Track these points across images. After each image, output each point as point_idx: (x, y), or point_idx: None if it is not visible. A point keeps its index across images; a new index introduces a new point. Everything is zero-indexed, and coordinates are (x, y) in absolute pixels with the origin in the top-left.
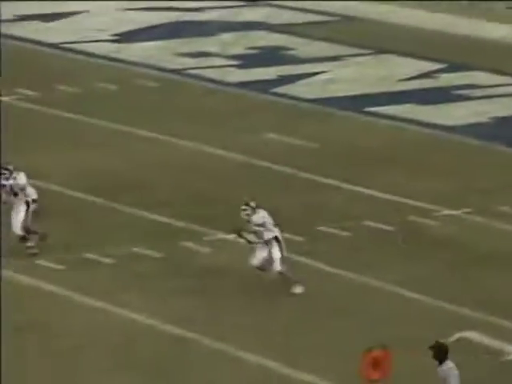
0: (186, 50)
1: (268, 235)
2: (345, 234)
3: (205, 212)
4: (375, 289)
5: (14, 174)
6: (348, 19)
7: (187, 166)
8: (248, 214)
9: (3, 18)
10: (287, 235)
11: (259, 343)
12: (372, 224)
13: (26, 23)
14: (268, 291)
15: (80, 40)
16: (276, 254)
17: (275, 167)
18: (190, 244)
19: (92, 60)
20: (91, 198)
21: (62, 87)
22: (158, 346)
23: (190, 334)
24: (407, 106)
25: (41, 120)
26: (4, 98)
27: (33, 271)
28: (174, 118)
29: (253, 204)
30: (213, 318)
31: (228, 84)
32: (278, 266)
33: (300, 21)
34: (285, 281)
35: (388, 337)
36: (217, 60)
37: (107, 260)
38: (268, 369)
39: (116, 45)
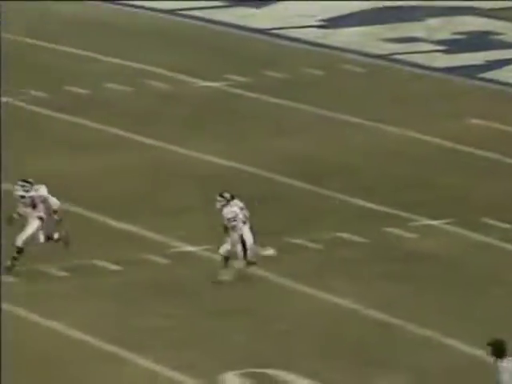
0: (392, 35)
1: (236, 230)
2: None
3: (410, 198)
4: None
5: (36, 186)
6: None
7: (392, 151)
8: (223, 205)
9: (208, 4)
10: (492, 222)
11: (465, 330)
12: None
13: (233, 9)
14: (475, 277)
15: (287, 26)
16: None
17: (480, 153)
18: (395, 230)
19: (298, 46)
20: (297, 183)
21: (269, 73)
22: (363, 331)
23: (394, 320)
24: None
25: (248, 105)
26: (212, 84)
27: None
28: (379, 103)
29: (227, 195)
30: (418, 303)
31: (435, 69)
32: (221, 249)
33: (508, 5)
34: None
35: None
36: (423, 45)
37: (313, 245)
38: (473, 356)
39: (323, 30)
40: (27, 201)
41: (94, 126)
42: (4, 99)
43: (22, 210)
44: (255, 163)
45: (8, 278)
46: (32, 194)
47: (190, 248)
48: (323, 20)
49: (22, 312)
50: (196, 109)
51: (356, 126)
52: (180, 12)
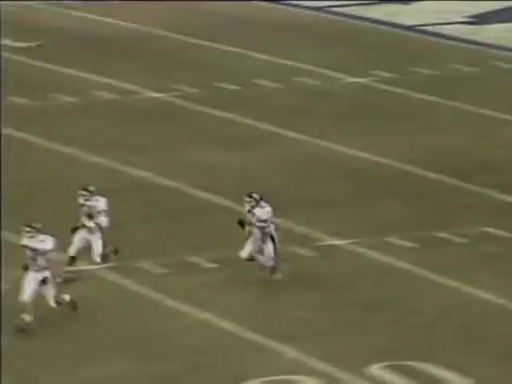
0: None
1: (265, 230)
2: None
3: None
4: None
5: (96, 197)
6: None
7: None
8: (253, 206)
9: (357, 2)
10: None
11: None
12: None
13: (381, 6)
14: None
15: (435, 22)
16: (268, 250)
17: None
18: None
19: (446, 42)
20: (444, 177)
21: (416, 69)
22: (508, 326)
23: None
24: None
25: (396, 101)
26: (359, 80)
27: (386, 250)
28: None
29: (256, 196)
30: None
31: None
32: (270, 262)
33: None
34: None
35: None
36: None
37: (459, 239)
38: None
39: (471, 27)
40: (85, 210)
41: (246, 122)
42: (158, 95)
43: (82, 219)
44: (402, 158)
45: (159, 270)
46: (89, 203)
47: (336, 241)
48: (471, 16)
49: (172, 303)
50: (344, 104)
51: (505, 122)
52: (329, 9)
